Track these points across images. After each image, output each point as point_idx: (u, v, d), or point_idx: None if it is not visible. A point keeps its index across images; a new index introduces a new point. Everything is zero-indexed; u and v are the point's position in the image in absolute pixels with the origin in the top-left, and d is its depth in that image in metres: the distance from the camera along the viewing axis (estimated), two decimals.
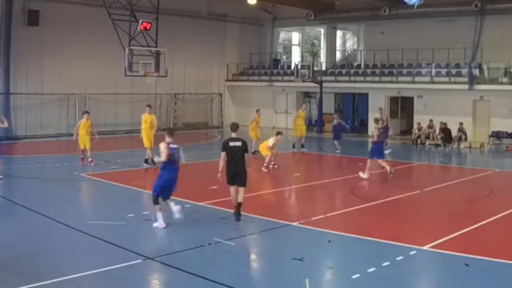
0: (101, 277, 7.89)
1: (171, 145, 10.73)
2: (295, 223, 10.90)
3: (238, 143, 11.18)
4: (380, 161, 16.67)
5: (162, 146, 10.67)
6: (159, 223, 10.51)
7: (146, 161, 17.64)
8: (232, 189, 11.24)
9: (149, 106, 18.41)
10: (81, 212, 11.95)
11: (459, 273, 8.24)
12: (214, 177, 14.66)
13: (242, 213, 11.23)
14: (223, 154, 11.14)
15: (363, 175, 16.24)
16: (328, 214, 11.79)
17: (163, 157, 10.61)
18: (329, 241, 9.84)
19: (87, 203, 13.67)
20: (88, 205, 13.28)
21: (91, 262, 8.38)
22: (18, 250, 9.15)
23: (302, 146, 23.17)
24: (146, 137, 17.50)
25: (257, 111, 21.71)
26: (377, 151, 16.78)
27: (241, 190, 11.17)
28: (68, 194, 14.20)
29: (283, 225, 10.83)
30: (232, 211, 11.39)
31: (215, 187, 13.83)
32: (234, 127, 11.52)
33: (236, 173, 11.08)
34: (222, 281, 7.67)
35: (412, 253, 9.06)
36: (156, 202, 10.61)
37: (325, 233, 10.21)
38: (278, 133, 17.91)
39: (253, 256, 9.60)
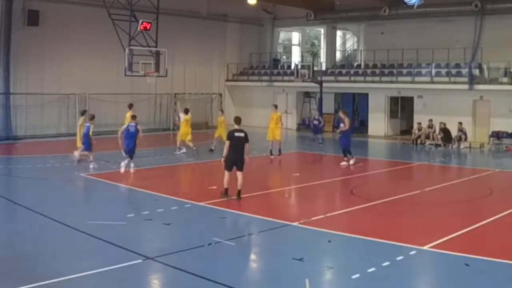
0: (101, 277, 7.89)
1: (131, 124, 16.76)
2: (295, 223, 10.89)
3: (242, 134, 12.75)
4: None
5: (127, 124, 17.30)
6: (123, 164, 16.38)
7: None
8: (227, 175, 12.69)
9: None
10: (81, 212, 11.93)
11: (459, 273, 8.25)
12: (214, 177, 14.72)
13: (242, 213, 11.81)
14: (227, 142, 12.78)
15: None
16: (328, 214, 11.78)
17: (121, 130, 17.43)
18: (329, 241, 9.84)
19: (87, 203, 13.66)
20: (88, 205, 13.27)
21: (91, 262, 8.38)
22: (18, 250, 9.16)
23: (273, 152, 20.55)
24: None
25: (221, 110, 21.40)
26: None
27: (240, 174, 12.67)
28: (68, 194, 14.19)
29: (283, 225, 10.83)
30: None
31: (215, 187, 13.85)
32: (238, 120, 13.39)
33: (237, 160, 12.66)
34: (222, 281, 7.67)
35: (412, 253, 9.06)
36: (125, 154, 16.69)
37: (325, 233, 10.21)
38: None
39: (253, 256, 9.60)
